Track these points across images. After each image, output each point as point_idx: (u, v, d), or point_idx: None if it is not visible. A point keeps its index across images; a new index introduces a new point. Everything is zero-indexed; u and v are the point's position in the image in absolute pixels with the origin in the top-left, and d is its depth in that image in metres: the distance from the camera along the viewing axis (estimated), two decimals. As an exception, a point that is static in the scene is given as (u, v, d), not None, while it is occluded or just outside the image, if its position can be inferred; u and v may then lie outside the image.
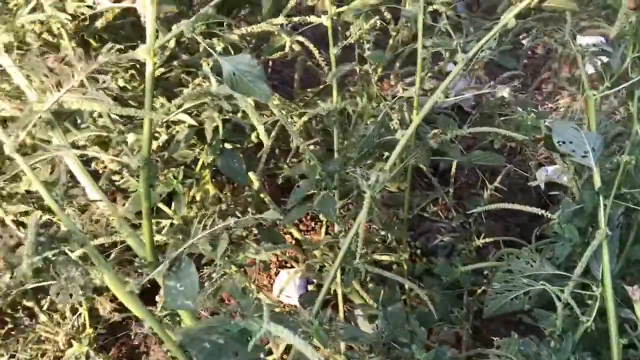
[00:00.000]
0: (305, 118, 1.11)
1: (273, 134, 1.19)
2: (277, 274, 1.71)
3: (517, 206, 1.17)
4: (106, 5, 0.75)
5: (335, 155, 1.17)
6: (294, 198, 1.00)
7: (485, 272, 1.36)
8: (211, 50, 0.71)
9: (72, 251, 0.68)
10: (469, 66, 1.03)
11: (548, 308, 1.02)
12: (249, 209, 1.36)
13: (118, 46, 0.81)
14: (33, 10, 0.84)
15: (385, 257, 1.36)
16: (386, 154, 1.21)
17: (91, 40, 1.17)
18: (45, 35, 1.06)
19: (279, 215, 0.80)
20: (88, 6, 0.75)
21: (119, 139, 0.79)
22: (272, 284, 1.68)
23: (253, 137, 1.34)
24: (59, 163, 0.74)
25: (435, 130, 1.05)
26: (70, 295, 0.75)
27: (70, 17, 0.78)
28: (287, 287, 1.48)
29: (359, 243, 0.86)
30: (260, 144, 1.35)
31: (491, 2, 1.22)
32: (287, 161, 1.44)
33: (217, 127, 1.01)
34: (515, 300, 1.07)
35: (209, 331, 0.59)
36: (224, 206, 1.39)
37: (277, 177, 1.46)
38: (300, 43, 1.23)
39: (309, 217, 1.92)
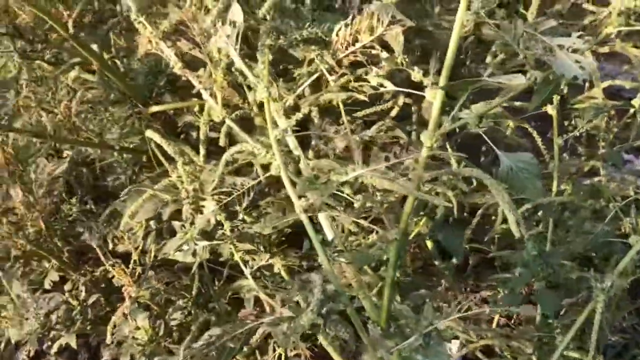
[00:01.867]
0: (528, 205, 1.12)
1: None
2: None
3: None
4: (389, 89, 0.82)
5: (548, 246, 1.17)
6: (513, 286, 1.00)
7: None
8: (493, 146, 0.75)
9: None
10: None
11: None
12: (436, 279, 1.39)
13: (387, 124, 0.89)
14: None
15: (573, 354, 1.31)
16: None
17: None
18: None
19: (535, 312, 0.81)
20: (372, 87, 0.83)
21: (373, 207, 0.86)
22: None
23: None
24: (336, 226, 0.81)
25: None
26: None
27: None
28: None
29: (593, 349, 0.85)
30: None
31: None
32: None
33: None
34: None
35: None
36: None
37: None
38: (524, 129, 1.26)
39: (468, 289, 1.90)
